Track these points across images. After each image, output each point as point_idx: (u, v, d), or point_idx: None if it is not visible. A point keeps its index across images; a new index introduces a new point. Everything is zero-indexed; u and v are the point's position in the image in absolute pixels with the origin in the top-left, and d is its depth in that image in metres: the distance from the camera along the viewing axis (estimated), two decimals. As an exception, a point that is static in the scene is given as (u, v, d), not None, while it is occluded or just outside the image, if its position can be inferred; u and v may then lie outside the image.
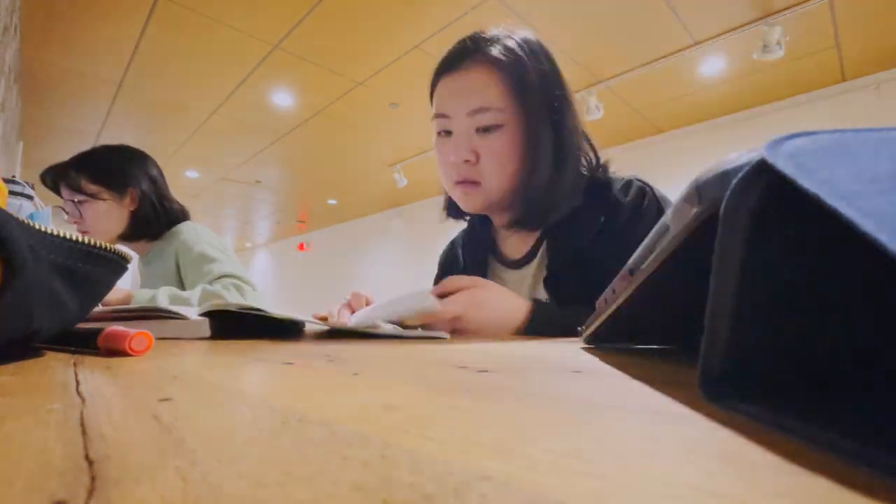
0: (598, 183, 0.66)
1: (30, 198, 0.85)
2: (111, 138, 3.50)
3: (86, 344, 0.30)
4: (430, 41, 2.41)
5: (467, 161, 0.61)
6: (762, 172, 0.11)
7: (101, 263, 0.29)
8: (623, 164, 0.69)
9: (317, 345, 0.38)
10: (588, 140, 0.67)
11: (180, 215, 1.17)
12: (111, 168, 1.08)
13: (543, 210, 0.64)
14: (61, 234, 0.26)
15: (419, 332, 0.49)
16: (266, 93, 2.94)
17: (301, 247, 7.12)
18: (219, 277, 1.02)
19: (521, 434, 0.11)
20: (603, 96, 2.88)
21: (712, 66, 2.67)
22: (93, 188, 1.04)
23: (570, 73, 0.67)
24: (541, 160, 0.60)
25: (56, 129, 3.33)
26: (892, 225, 0.08)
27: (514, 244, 0.71)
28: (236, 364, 0.26)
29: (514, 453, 0.10)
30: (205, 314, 0.44)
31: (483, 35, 0.63)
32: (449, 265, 0.85)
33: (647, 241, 0.20)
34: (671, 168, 3.33)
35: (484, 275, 0.72)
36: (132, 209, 1.09)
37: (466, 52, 0.63)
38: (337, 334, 0.50)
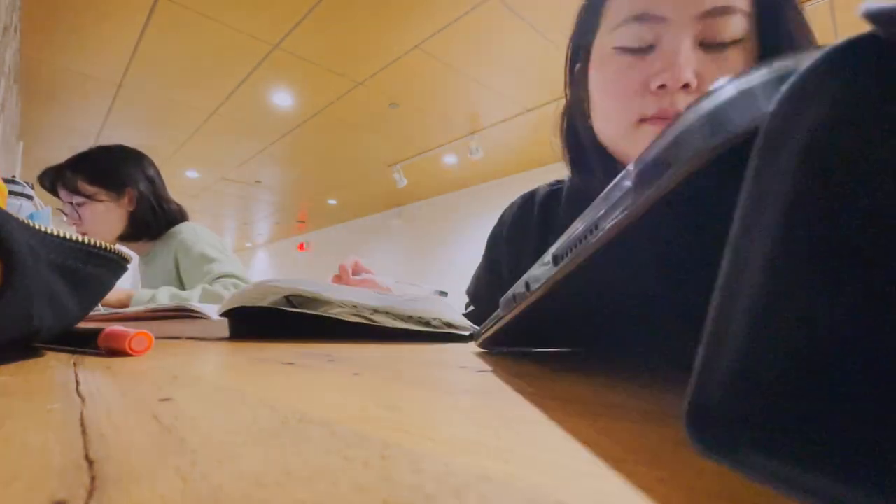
0: None
1: (30, 198, 0.85)
2: (111, 138, 3.49)
3: (86, 344, 0.30)
4: (430, 41, 2.40)
5: (686, 86, 0.40)
6: (846, 61, 0.07)
7: (101, 263, 0.29)
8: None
9: (317, 345, 0.38)
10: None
11: (178, 216, 1.17)
12: (108, 169, 1.07)
13: None
14: (61, 234, 0.26)
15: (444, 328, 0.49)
16: (266, 93, 2.94)
17: (301, 247, 7.11)
18: (218, 277, 1.03)
19: (521, 434, 0.11)
20: (603, 96, 2.87)
21: (712, 66, 2.67)
22: (90, 189, 1.04)
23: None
24: None
25: (56, 129, 3.33)
26: None
27: None
28: (236, 364, 0.26)
29: (514, 453, 0.10)
30: (224, 314, 0.45)
31: None
32: (518, 225, 0.64)
33: (578, 228, 0.15)
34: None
35: None
36: (130, 209, 1.09)
37: None
38: (346, 328, 0.50)
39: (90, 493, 0.08)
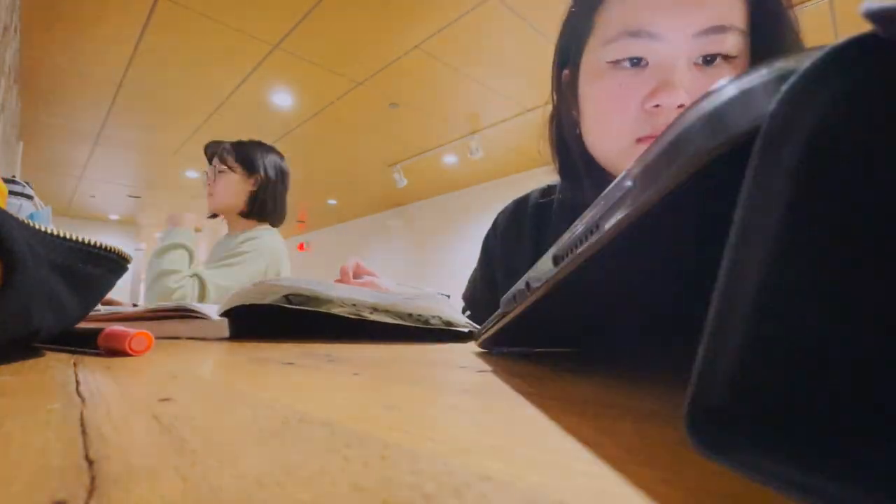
0: None
1: (30, 198, 0.85)
2: (111, 138, 3.50)
3: (86, 344, 0.30)
4: (430, 41, 2.40)
5: (681, 107, 0.40)
6: (844, 63, 0.07)
7: (101, 263, 0.29)
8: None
9: (317, 345, 0.38)
10: None
11: (279, 217, 1.38)
12: (251, 153, 1.31)
13: None
14: (61, 234, 0.26)
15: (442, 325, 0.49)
16: (266, 93, 2.94)
17: (301, 247, 7.11)
18: (195, 276, 1.11)
19: (521, 434, 0.11)
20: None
21: (712, 66, 2.67)
22: (232, 163, 1.28)
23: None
24: None
25: (56, 129, 3.33)
26: None
27: None
28: (236, 364, 0.26)
29: (514, 453, 0.10)
30: (223, 314, 0.45)
31: None
32: (511, 229, 0.64)
33: (580, 226, 0.15)
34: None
35: None
36: (253, 190, 1.30)
37: None
38: (347, 326, 0.50)
39: (90, 493, 0.08)
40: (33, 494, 0.08)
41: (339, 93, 2.93)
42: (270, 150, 1.38)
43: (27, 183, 0.86)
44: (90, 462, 0.09)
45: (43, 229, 0.25)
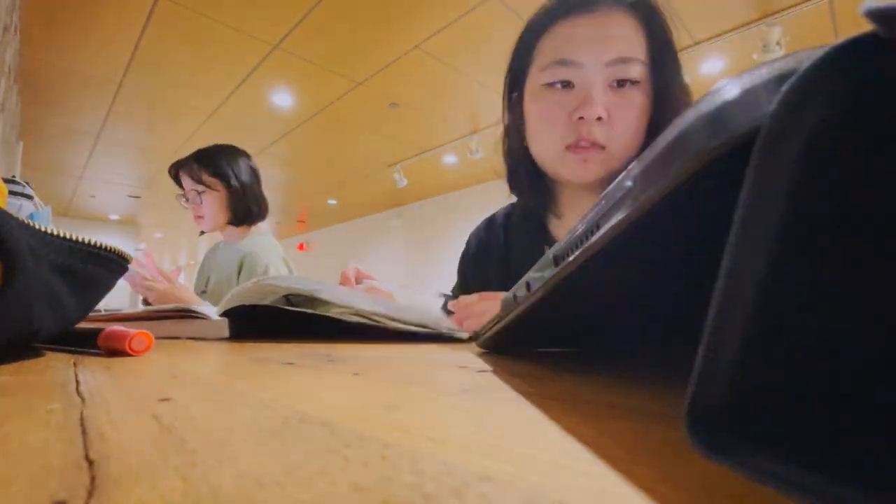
0: None
1: (30, 198, 0.85)
2: (111, 138, 3.50)
3: (86, 344, 0.30)
4: (430, 41, 2.40)
5: (600, 119, 0.51)
6: (842, 63, 0.07)
7: (101, 263, 0.29)
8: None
9: (317, 345, 0.38)
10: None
11: (260, 217, 1.34)
12: (224, 163, 1.27)
13: None
14: (61, 234, 0.26)
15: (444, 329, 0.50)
16: (266, 93, 2.94)
17: (301, 247, 7.11)
18: None
19: (521, 434, 0.11)
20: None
21: (712, 65, 2.66)
22: (210, 180, 1.24)
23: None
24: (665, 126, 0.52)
25: (56, 129, 3.33)
26: None
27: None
28: (236, 364, 0.26)
29: (514, 453, 0.10)
30: (223, 314, 0.45)
31: None
32: (483, 248, 0.73)
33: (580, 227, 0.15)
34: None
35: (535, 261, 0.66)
36: (237, 198, 1.27)
37: None
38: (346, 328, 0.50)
39: (90, 493, 0.08)
40: (33, 494, 0.08)
41: (339, 93, 2.93)
42: (234, 152, 1.33)
43: (27, 183, 0.85)
44: (90, 462, 0.09)
45: (43, 229, 0.25)
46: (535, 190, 0.62)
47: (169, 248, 8.06)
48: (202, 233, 1.33)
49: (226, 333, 0.44)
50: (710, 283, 0.08)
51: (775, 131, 0.07)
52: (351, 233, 6.39)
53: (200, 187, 1.24)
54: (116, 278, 0.32)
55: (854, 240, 0.08)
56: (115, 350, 0.28)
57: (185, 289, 1.10)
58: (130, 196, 5.08)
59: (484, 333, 0.29)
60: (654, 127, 0.54)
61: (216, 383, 0.19)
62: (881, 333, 0.09)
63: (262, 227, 1.37)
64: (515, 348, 0.32)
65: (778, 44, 2.24)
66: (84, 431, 0.11)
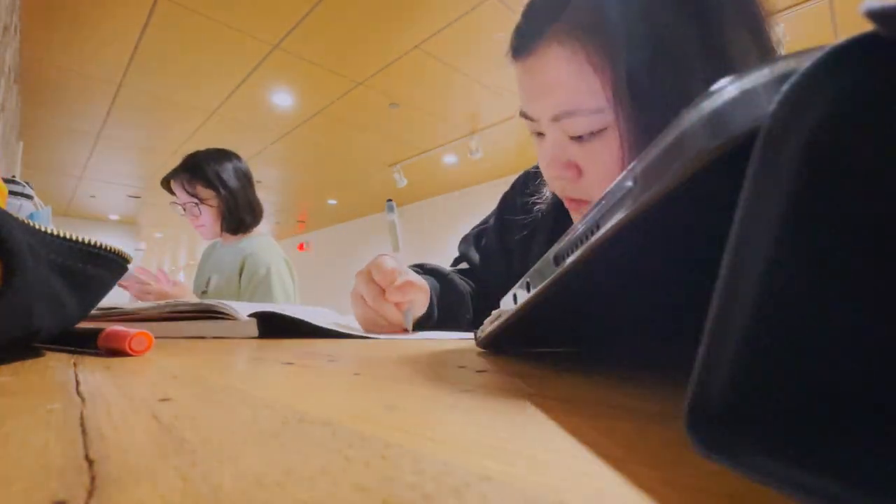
0: None
1: (30, 198, 0.85)
2: (111, 138, 3.50)
3: (86, 344, 0.30)
4: (430, 41, 2.40)
5: (565, 177, 0.45)
6: (842, 65, 0.07)
7: (101, 263, 0.29)
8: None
9: (317, 345, 0.38)
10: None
11: (255, 221, 1.34)
12: (216, 171, 1.26)
13: None
14: (61, 234, 0.26)
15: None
16: (266, 93, 2.94)
17: (301, 247, 7.12)
18: None
19: (521, 434, 0.11)
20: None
21: (712, 66, 2.67)
22: (205, 193, 1.24)
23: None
24: None
25: (56, 129, 3.33)
26: None
27: None
28: (236, 364, 0.26)
29: (514, 453, 0.10)
30: (252, 315, 0.46)
31: None
32: (520, 197, 0.68)
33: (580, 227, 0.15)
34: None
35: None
36: (232, 205, 1.27)
37: (534, 26, 0.42)
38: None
39: (90, 493, 0.08)
40: (33, 494, 0.08)
41: (339, 93, 2.93)
42: (222, 157, 1.31)
43: (27, 183, 0.85)
44: (90, 462, 0.09)
45: (43, 229, 0.25)
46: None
47: (169, 248, 8.06)
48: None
49: (255, 333, 0.44)
50: (710, 283, 0.08)
51: (775, 131, 0.07)
52: (351, 233, 6.40)
53: (194, 200, 1.24)
54: (116, 278, 0.32)
55: (854, 240, 0.08)
56: (115, 350, 0.28)
57: (186, 290, 1.10)
58: (130, 196, 5.08)
59: (484, 333, 0.29)
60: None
61: (216, 383, 0.19)
62: (881, 333, 0.09)
63: (261, 227, 1.37)
64: (515, 348, 0.32)
65: (778, 43, 2.24)
66: (84, 431, 0.11)
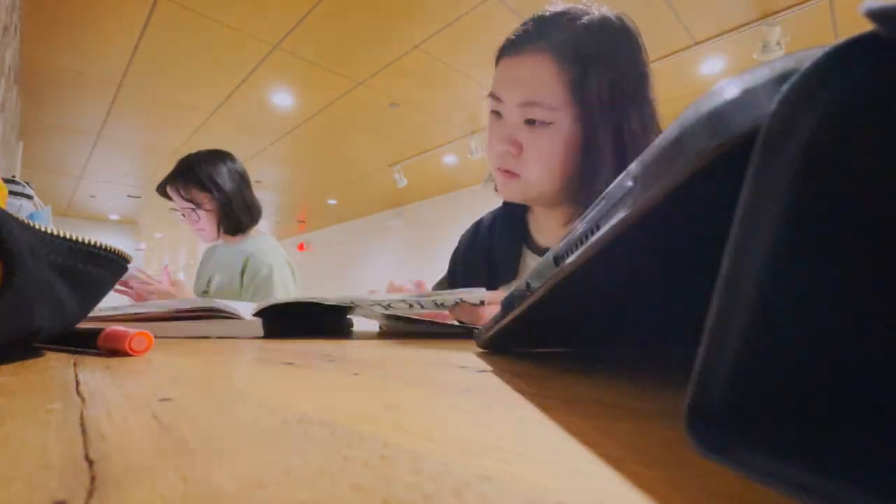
0: None
1: (30, 198, 0.85)
2: (111, 138, 3.50)
3: (86, 344, 0.30)
4: (430, 41, 2.40)
5: (509, 151, 0.59)
6: (843, 65, 0.07)
7: (101, 263, 0.29)
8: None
9: (317, 345, 0.38)
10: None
11: (253, 222, 1.33)
12: (210, 174, 1.24)
13: None
14: (61, 234, 0.26)
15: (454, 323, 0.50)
16: (266, 93, 2.94)
17: (301, 247, 7.12)
18: None
19: (521, 434, 0.11)
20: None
21: (712, 66, 2.66)
22: (201, 197, 1.23)
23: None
24: (600, 167, 0.57)
25: (56, 129, 3.33)
26: None
27: (549, 231, 0.70)
28: (236, 364, 0.26)
29: (514, 453, 0.10)
30: (257, 314, 0.46)
31: (550, 16, 0.57)
32: (469, 248, 0.81)
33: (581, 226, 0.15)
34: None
35: (515, 261, 0.71)
36: (229, 208, 1.26)
37: (527, 36, 0.58)
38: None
39: (90, 493, 0.08)
40: (33, 494, 0.08)
41: (339, 93, 2.93)
42: (216, 159, 1.29)
43: (27, 183, 0.85)
44: (90, 462, 0.09)
45: (43, 229, 0.25)
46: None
47: (169, 248, 8.06)
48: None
49: (260, 333, 0.44)
50: (710, 283, 0.08)
51: (775, 131, 0.07)
52: (351, 233, 6.40)
53: (190, 205, 1.24)
54: (117, 278, 0.32)
55: (854, 239, 0.08)
56: (115, 350, 0.28)
57: (185, 289, 1.10)
58: (130, 196, 5.08)
59: (484, 334, 0.29)
60: (590, 159, 0.57)
61: (216, 383, 0.19)
62: (881, 333, 0.09)
63: (261, 227, 1.37)
64: (515, 348, 0.32)
65: (778, 44, 2.24)
66: (84, 431, 0.11)
